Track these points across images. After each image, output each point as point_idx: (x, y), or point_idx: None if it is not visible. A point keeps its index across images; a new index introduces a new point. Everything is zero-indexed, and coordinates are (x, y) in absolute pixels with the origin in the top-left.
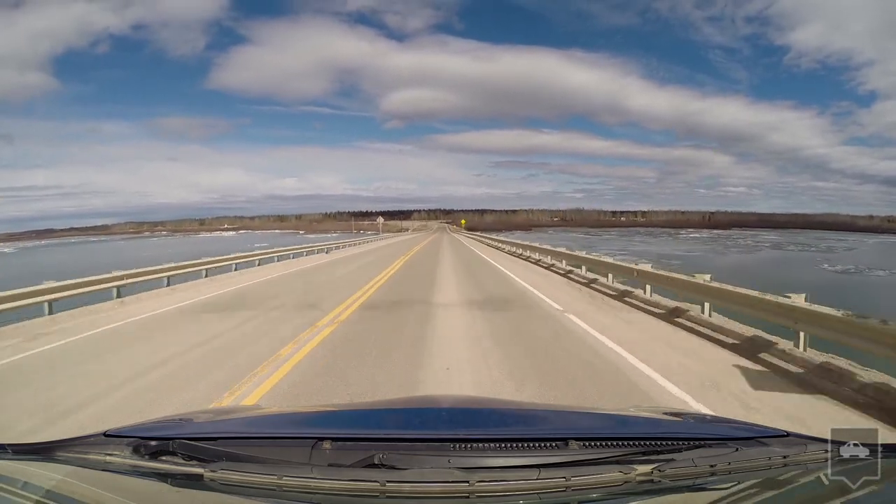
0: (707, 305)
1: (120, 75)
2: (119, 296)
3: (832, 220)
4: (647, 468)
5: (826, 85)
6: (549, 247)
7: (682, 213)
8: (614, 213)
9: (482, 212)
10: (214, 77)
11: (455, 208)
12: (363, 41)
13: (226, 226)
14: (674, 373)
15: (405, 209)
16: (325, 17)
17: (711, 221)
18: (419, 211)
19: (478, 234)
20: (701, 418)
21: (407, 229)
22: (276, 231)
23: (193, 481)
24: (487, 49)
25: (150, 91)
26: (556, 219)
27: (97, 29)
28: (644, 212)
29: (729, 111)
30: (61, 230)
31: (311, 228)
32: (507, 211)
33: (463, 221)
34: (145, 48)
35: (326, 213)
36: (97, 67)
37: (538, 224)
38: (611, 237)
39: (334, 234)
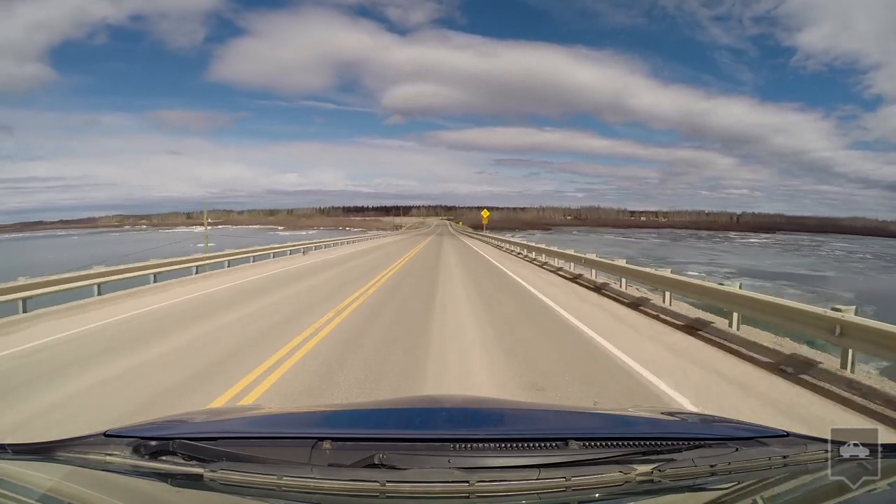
0: None
1: (119, 67)
2: None
3: (862, 224)
4: (647, 468)
5: (832, 88)
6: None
7: (707, 213)
8: (633, 212)
9: (488, 209)
10: (215, 70)
11: (457, 205)
12: (364, 34)
13: (209, 220)
14: None
15: (405, 205)
16: (325, 9)
17: (741, 224)
18: (419, 207)
19: (489, 234)
20: (701, 418)
21: (401, 226)
22: (255, 227)
23: (193, 481)
24: (490, 44)
25: (151, 83)
26: (568, 217)
27: (95, 19)
28: (665, 212)
29: (734, 112)
30: (50, 222)
31: (295, 224)
32: (514, 208)
33: (485, 213)
34: (144, 40)
35: (320, 209)
36: (96, 59)
37: (553, 223)
38: (661, 241)
39: (312, 231)
